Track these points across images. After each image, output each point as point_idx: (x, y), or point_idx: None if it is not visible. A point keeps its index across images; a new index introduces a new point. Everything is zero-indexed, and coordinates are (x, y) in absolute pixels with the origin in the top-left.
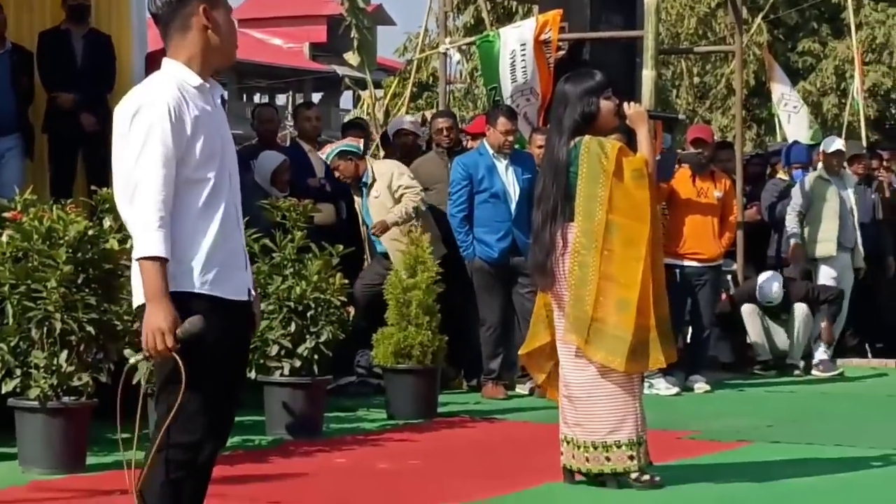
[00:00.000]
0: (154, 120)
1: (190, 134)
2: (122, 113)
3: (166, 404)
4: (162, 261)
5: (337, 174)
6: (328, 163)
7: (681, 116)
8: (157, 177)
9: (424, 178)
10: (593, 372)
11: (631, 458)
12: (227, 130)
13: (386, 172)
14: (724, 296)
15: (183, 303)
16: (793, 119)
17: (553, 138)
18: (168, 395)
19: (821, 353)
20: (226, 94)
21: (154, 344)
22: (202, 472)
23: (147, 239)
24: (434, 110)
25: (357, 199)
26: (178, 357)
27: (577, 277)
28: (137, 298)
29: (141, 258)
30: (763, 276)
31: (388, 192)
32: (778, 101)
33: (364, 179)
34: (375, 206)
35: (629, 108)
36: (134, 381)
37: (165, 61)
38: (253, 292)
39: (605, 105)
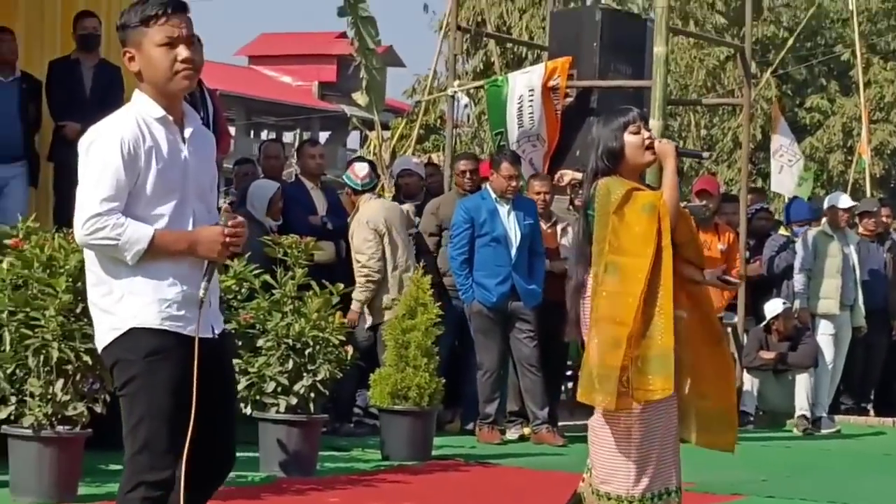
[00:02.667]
0: (108, 150)
1: (143, 167)
2: (81, 144)
3: (134, 443)
4: (153, 234)
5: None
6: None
7: (705, 154)
8: (112, 201)
9: (443, 219)
10: (596, 416)
11: None
12: (203, 160)
13: (356, 219)
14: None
15: (142, 337)
16: (784, 170)
17: (585, 182)
18: (135, 434)
19: (819, 411)
20: (199, 120)
21: (231, 245)
22: None
23: (129, 239)
24: (440, 153)
25: None
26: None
27: (590, 325)
28: (99, 338)
29: (143, 253)
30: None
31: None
32: (775, 151)
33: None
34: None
35: (659, 143)
36: None
37: (136, 93)
38: (217, 329)
39: (630, 140)
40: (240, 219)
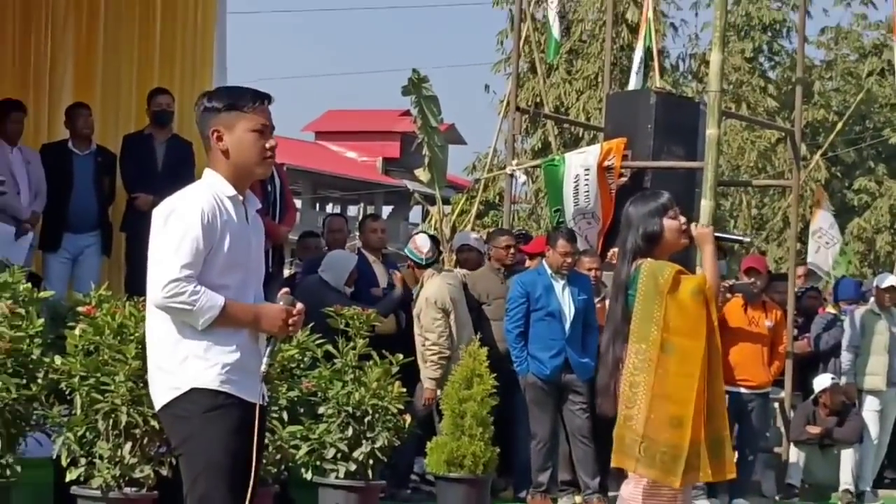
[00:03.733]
0: (189, 221)
1: (218, 239)
2: (157, 213)
3: (193, 498)
4: (224, 304)
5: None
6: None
7: (745, 239)
8: (190, 269)
9: (481, 293)
10: (645, 486)
11: None
12: (259, 244)
13: (423, 297)
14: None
15: (201, 397)
16: (821, 250)
17: (619, 261)
18: (194, 490)
19: (863, 485)
20: (259, 205)
21: (291, 324)
22: None
23: (201, 306)
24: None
25: None
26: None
27: (627, 397)
28: (157, 398)
29: (211, 320)
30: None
31: (417, 320)
32: (814, 231)
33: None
34: (416, 323)
35: (695, 229)
36: None
37: (205, 171)
38: (265, 398)
39: (669, 224)
40: (300, 305)
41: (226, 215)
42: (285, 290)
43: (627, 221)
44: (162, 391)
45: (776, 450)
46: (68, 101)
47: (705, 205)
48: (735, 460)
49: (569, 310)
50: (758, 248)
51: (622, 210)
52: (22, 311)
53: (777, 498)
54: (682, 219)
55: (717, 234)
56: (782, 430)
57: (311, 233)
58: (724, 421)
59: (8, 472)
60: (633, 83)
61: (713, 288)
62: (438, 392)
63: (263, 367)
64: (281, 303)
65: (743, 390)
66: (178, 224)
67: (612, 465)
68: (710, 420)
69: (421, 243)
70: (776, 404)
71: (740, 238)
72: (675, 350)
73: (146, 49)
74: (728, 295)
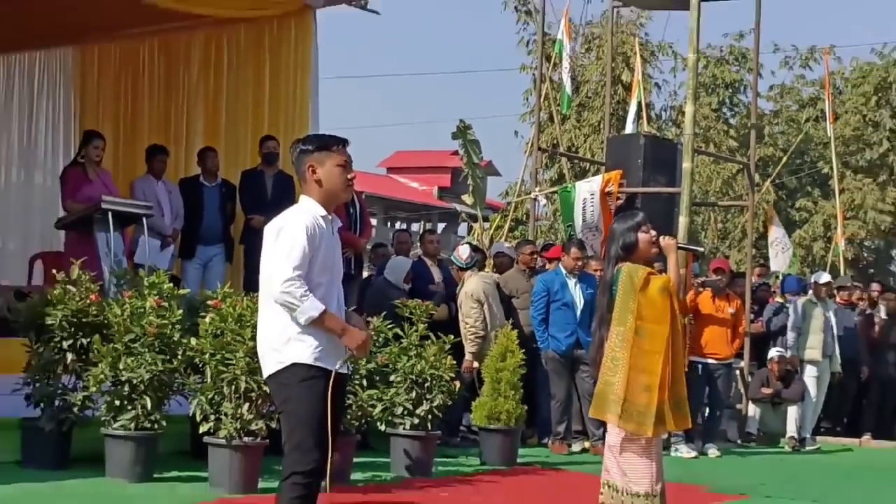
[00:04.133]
0: (296, 234)
1: (317, 247)
2: (268, 231)
3: (290, 444)
4: (324, 311)
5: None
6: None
7: (700, 249)
8: (300, 269)
9: (511, 289)
10: (625, 436)
11: None
12: (339, 253)
13: (463, 291)
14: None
15: (299, 369)
16: (779, 255)
17: (605, 265)
18: (291, 438)
19: (804, 433)
20: (340, 223)
21: (366, 347)
22: (314, 495)
23: (305, 307)
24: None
25: None
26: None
27: (609, 367)
28: (267, 369)
29: (311, 321)
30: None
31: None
32: (772, 242)
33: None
34: (460, 311)
35: (663, 240)
36: None
37: (301, 198)
38: (348, 370)
39: (643, 237)
40: (370, 333)
41: (320, 231)
42: (353, 308)
43: (612, 234)
44: (270, 364)
45: (738, 406)
46: (199, 145)
47: (682, 221)
48: (706, 414)
49: (579, 301)
50: (723, 253)
51: None
52: (166, 304)
53: (739, 442)
54: (653, 233)
55: (679, 245)
56: (742, 391)
57: (381, 244)
58: (683, 385)
59: (156, 426)
60: (629, 129)
61: (675, 285)
62: (476, 364)
63: (339, 365)
64: (352, 320)
65: (711, 361)
66: (288, 236)
67: (590, 415)
68: (673, 385)
69: (462, 252)
70: (737, 372)
71: (697, 248)
72: (646, 333)
73: (258, 105)
74: (700, 289)
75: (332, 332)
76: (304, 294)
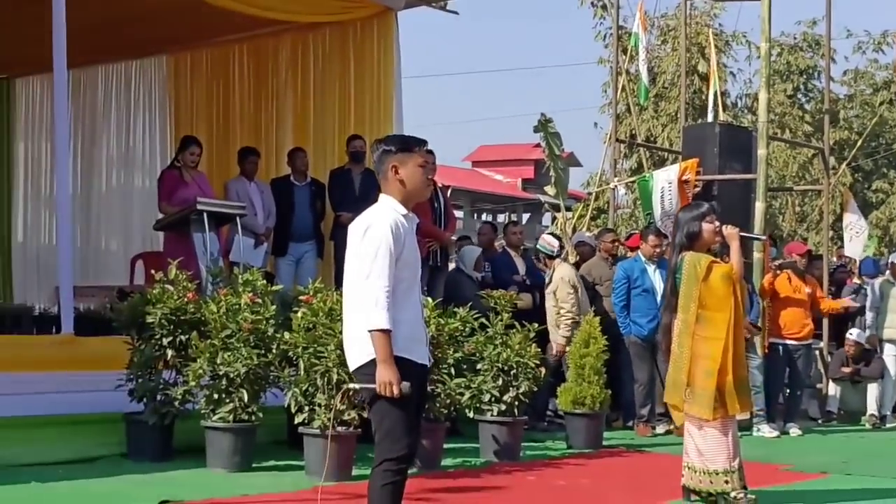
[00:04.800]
0: (382, 234)
1: (401, 245)
2: (354, 230)
3: (380, 433)
4: (387, 332)
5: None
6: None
7: (763, 237)
8: (386, 273)
9: (595, 276)
10: (699, 420)
11: (726, 482)
12: (417, 249)
13: (557, 277)
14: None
15: None
16: (854, 240)
17: (670, 253)
18: (380, 427)
19: (884, 410)
20: (418, 220)
21: (386, 390)
22: (405, 481)
23: (377, 316)
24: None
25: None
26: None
27: (676, 354)
28: (353, 362)
29: (372, 330)
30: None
31: (553, 296)
32: (847, 225)
33: (552, 276)
34: (549, 298)
35: (726, 230)
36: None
37: (382, 197)
38: (430, 360)
39: (706, 227)
40: (399, 381)
41: (402, 228)
42: (439, 300)
43: (677, 223)
44: (355, 355)
45: (818, 385)
46: (289, 145)
47: (759, 206)
48: (787, 394)
49: (659, 286)
50: (801, 237)
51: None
52: (260, 300)
53: (819, 421)
54: (717, 223)
55: (742, 234)
56: (822, 370)
57: (465, 237)
58: (745, 370)
59: (253, 417)
60: (710, 118)
61: (737, 273)
62: (567, 348)
63: (354, 386)
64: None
65: (791, 342)
66: (375, 237)
67: (665, 400)
68: (734, 370)
69: (550, 241)
70: (817, 352)
71: (760, 237)
72: (707, 320)
73: (344, 105)
74: (778, 271)
75: (380, 356)
76: (386, 298)
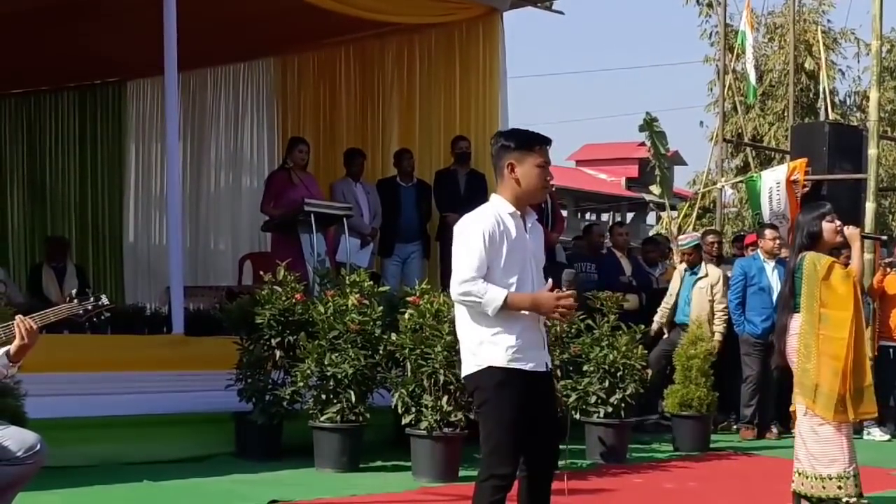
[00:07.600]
0: (474, 238)
1: (498, 247)
2: (455, 229)
3: (487, 447)
4: (506, 296)
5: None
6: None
7: (884, 237)
8: (473, 271)
9: None
10: (816, 421)
11: (839, 487)
12: (539, 245)
13: (714, 276)
14: None
15: (495, 372)
16: None
17: (790, 254)
18: (488, 441)
19: None
20: (536, 216)
21: (561, 309)
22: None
23: (488, 300)
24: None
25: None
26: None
27: (803, 355)
28: (465, 369)
29: (500, 309)
30: None
31: (710, 290)
32: None
33: (696, 270)
34: (697, 293)
35: (847, 230)
36: None
37: (493, 196)
38: (549, 366)
39: (827, 226)
40: (570, 292)
41: (503, 228)
42: (569, 275)
43: (797, 225)
44: (467, 365)
45: None
46: (395, 147)
47: (869, 206)
48: None
49: (776, 285)
50: None
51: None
52: (367, 301)
53: None
54: (838, 223)
55: (863, 234)
56: None
57: (578, 237)
58: (866, 373)
59: (361, 418)
60: (820, 117)
61: (858, 273)
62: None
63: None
64: (563, 277)
65: None
66: (467, 239)
67: (794, 401)
68: (854, 374)
69: (690, 233)
70: None
71: (880, 237)
72: (830, 320)
73: (449, 107)
74: (888, 270)
75: (523, 308)
76: (481, 288)
